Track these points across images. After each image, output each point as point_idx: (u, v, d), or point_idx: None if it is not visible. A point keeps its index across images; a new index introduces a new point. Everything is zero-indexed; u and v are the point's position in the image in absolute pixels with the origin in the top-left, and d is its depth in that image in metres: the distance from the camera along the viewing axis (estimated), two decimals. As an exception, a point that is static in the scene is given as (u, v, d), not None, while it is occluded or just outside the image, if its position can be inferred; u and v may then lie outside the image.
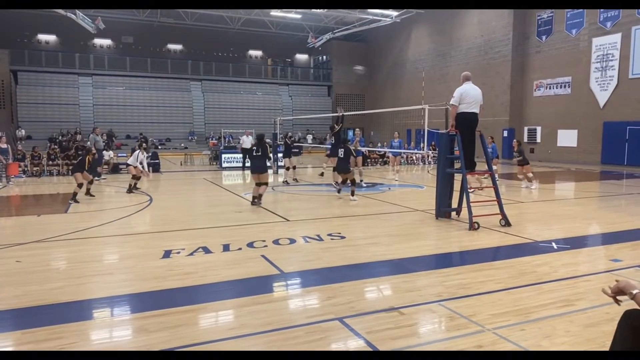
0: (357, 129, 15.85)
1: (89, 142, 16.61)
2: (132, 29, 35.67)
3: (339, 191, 11.40)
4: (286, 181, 14.57)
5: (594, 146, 22.37)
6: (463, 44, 29.31)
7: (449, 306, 4.18)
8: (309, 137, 35.43)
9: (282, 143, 16.82)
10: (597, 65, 22.02)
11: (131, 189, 12.47)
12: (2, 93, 30.66)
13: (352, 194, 10.64)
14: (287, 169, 15.18)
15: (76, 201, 10.58)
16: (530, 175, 13.42)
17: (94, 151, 13.39)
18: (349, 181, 11.02)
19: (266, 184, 10.13)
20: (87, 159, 11.33)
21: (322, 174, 15.17)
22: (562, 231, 7.50)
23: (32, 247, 6.49)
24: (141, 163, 12.83)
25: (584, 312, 4.03)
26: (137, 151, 13.14)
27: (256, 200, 9.98)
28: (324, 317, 3.96)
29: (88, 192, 11.44)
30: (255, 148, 10.15)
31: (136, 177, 12.74)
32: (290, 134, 19.71)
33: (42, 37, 35.12)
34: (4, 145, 15.70)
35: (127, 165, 13.04)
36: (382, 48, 37.69)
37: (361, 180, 13.62)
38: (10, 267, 5.50)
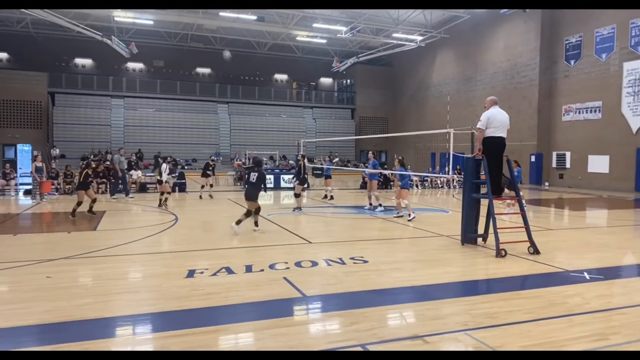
0: (370, 152, 15.46)
1: (110, 163, 17.19)
2: (163, 53, 36.94)
3: (238, 222, 9.25)
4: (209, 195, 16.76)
5: (627, 173, 21.68)
6: (489, 68, 29.19)
7: (475, 336, 4.06)
8: (335, 160, 35.52)
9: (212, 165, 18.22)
10: (629, 90, 21.54)
11: (161, 204, 13.39)
12: (39, 114, 32.01)
13: (256, 225, 9.49)
14: (202, 187, 17.21)
15: (74, 216, 10.97)
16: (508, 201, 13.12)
17: (94, 165, 13.89)
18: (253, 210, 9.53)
19: (257, 209, 9.53)
20: (84, 173, 11.49)
21: (328, 197, 16.13)
22: (595, 260, 7.23)
23: (62, 264, 6.66)
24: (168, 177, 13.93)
25: (619, 347, 3.85)
26: (165, 165, 14.24)
27: (255, 227, 9.50)
28: (346, 343, 3.89)
29: (90, 210, 11.46)
30: (253, 174, 9.49)
31: (168, 193, 13.56)
32: (213, 157, 20.61)
33: (79, 61, 36.72)
34: (39, 164, 16.30)
35: (163, 182, 13.88)
36: (407, 72, 37.88)
37: (380, 204, 13.46)
38: (41, 283, 5.64)
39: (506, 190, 12.77)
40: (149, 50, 34.59)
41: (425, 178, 23.67)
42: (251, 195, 9.53)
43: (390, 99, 40.29)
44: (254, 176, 9.50)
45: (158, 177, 14.29)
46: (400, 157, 12.42)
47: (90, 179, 11.95)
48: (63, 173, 18.22)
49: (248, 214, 9.41)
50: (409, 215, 11.34)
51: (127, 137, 33.95)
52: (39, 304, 4.83)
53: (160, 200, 13.67)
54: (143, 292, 5.46)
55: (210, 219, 12.02)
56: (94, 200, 11.49)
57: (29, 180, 18.69)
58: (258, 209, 9.63)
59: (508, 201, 12.82)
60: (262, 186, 9.61)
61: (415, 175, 22.74)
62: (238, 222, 9.20)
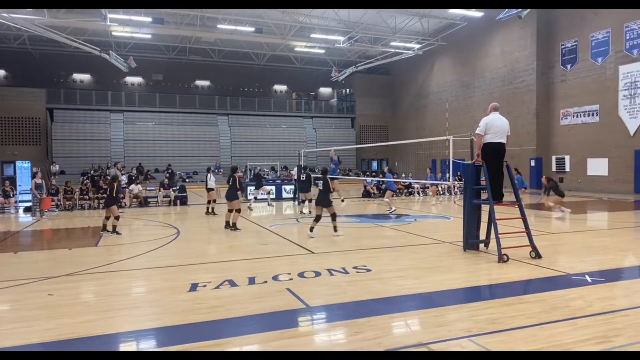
0: (333, 150, 18.23)
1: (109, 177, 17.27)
2: (162, 67, 37.15)
3: (311, 229, 10.20)
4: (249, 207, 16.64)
5: (626, 175, 21.70)
6: (486, 74, 29.33)
7: (479, 342, 4.06)
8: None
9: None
10: (625, 93, 21.63)
11: (213, 211, 14.66)
12: (38, 130, 32.12)
13: (335, 229, 10.27)
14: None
15: (118, 232, 10.86)
16: (551, 204, 14.13)
17: (120, 178, 13.91)
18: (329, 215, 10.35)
19: (238, 210, 11.10)
20: (116, 186, 11.15)
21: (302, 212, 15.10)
22: (596, 263, 7.24)
23: (64, 280, 6.65)
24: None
25: (623, 349, 3.85)
26: (209, 174, 15.62)
27: (231, 227, 11.15)
28: (350, 353, 3.89)
29: (113, 228, 11.05)
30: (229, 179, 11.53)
31: (213, 201, 14.82)
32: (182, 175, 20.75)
33: (77, 76, 36.89)
34: (39, 181, 16.33)
35: (211, 189, 15.35)
36: (405, 80, 38.06)
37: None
38: (43, 301, 5.63)
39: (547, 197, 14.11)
40: (147, 64, 34.78)
41: (426, 185, 23.67)
42: (320, 201, 10.31)
43: (390, 107, 40.43)
44: (229, 181, 11.23)
45: (206, 186, 15.64)
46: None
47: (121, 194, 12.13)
48: (63, 189, 18.21)
49: (317, 219, 10.23)
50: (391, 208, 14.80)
51: (127, 152, 34.02)
52: (41, 322, 4.82)
53: (208, 208, 14.93)
54: (146, 307, 5.46)
55: (212, 231, 12.01)
56: (116, 218, 11.02)
57: (29, 197, 18.71)
58: (333, 215, 10.32)
59: (555, 209, 14.07)
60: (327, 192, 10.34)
61: (416, 182, 22.80)
62: (311, 229, 10.14)
